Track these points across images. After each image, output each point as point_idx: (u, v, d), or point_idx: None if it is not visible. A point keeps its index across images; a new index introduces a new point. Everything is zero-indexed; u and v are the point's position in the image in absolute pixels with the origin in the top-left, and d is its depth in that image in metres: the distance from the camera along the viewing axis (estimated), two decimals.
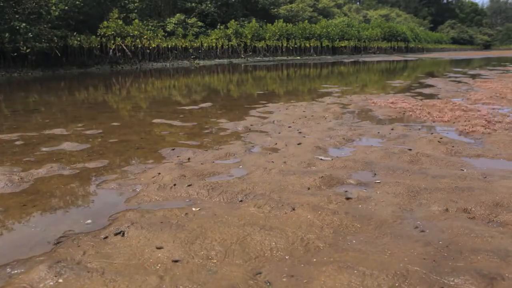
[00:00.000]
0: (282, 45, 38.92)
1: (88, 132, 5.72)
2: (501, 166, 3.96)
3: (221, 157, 4.36)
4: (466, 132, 5.55)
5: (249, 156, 4.35)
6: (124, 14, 28.63)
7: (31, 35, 19.27)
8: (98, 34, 24.64)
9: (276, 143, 4.96)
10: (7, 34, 18.58)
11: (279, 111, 7.42)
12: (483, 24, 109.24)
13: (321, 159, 4.20)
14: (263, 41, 36.96)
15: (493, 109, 7.56)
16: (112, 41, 24.98)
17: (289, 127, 5.98)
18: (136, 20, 27.52)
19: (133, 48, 26.12)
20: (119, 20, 25.51)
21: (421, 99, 8.97)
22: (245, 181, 3.52)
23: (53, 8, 21.23)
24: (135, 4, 31.34)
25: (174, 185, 3.41)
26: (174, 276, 2.06)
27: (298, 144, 4.86)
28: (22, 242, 2.49)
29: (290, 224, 2.64)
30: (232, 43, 34.00)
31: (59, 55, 21.88)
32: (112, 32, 24.95)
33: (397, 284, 1.97)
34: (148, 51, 27.16)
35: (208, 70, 23.34)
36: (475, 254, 2.26)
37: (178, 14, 32.29)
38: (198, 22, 32.99)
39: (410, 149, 4.57)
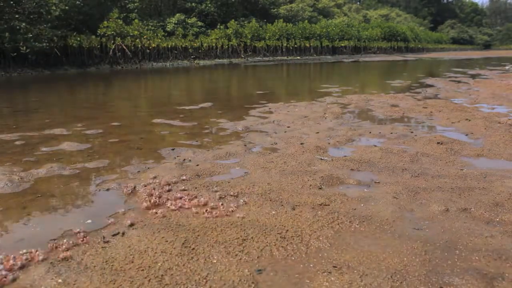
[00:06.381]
0: (282, 45, 38.90)
1: (88, 132, 5.72)
2: (501, 166, 3.97)
3: (221, 157, 4.37)
4: (466, 132, 5.55)
5: (249, 156, 4.35)
6: (124, 14, 28.62)
7: (31, 35, 19.26)
8: (98, 34, 24.62)
9: (276, 143, 4.96)
10: (7, 34, 18.57)
11: (279, 111, 7.41)
12: (483, 24, 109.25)
13: (321, 159, 4.20)
14: (263, 41, 36.94)
15: (493, 109, 7.56)
16: (112, 41, 24.97)
17: (288, 127, 5.98)
18: (136, 20, 27.52)
19: (133, 48, 26.11)
20: (119, 20, 25.50)
21: (421, 99, 8.96)
22: (245, 180, 3.52)
23: (53, 8, 21.22)
24: (135, 4, 31.35)
25: (175, 184, 3.41)
26: (173, 277, 2.06)
27: (298, 144, 4.87)
28: (22, 242, 2.48)
29: (290, 224, 2.64)
30: (232, 43, 33.99)
31: (59, 55, 21.87)
32: (112, 32, 24.94)
33: (397, 284, 1.97)
34: (148, 51, 27.14)
35: (208, 70, 23.34)
36: (475, 254, 2.26)
37: (178, 14, 32.29)
38: (198, 22, 32.97)
39: (410, 149, 4.57)
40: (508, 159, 4.21)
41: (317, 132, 5.57)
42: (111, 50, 24.88)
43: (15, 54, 19.36)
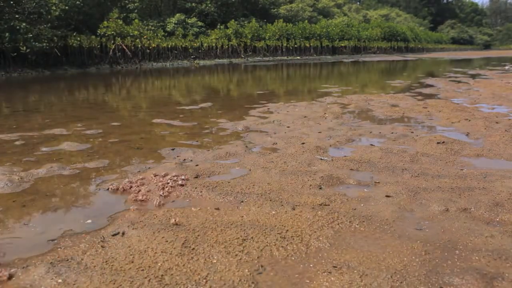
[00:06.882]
0: (282, 45, 38.91)
1: (88, 132, 5.72)
2: (501, 166, 3.96)
3: (221, 157, 4.37)
4: (466, 132, 5.55)
5: (249, 156, 4.35)
6: (124, 14, 28.64)
7: (31, 35, 19.26)
8: (98, 34, 24.64)
9: (276, 143, 4.96)
10: (7, 34, 18.57)
11: (279, 111, 7.42)
12: (483, 24, 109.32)
13: (321, 159, 4.20)
14: (263, 41, 36.96)
15: (493, 109, 7.56)
16: (112, 41, 24.98)
17: (288, 127, 5.98)
18: (136, 20, 27.53)
19: (133, 48, 26.12)
20: (119, 20, 25.50)
21: (421, 99, 8.97)
22: (245, 180, 3.52)
23: (53, 8, 21.23)
24: (135, 4, 31.36)
25: (174, 184, 3.41)
26: (173, 277, 2.06)
27: (298, 144, 4.86)
28: (22, 242, 2.49)
29: (290, 224, 2.64)
30: (232, 43, 34.00)
31: (59, 55, 21.88)
32: (112, 32, 24.95)
33: (397, 284, 1.97)
34: (148, 51, 27.15)
35: (208, 70, 23.35)
36: (475, 254, 2.26)
37: (178, 14, 32.29)
38: (198, 22, 32.99)
39: (410, 149, 4.57)
40: (508, 159, 4.21)
41: (317, 132, 5.56)
42: (111, 50, 24.89)
43: (15, 54, 19.36)
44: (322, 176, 3.57)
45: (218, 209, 2.92)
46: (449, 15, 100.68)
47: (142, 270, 2.12)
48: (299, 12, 45.06)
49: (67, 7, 22.51)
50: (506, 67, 21.33)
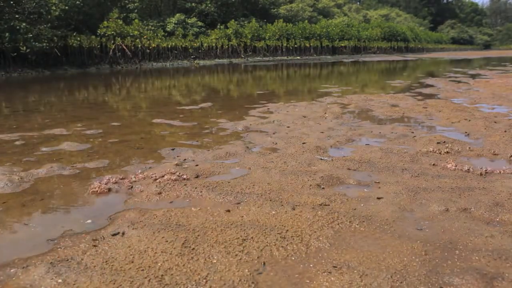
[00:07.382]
0: (282, 45, 38.91)
1: (88, 132, 5.72)
2: (501, 166, 3.96)
3: (221, 157, 4.37)
4: (466, 132, 5.55)
5: (249, 156, 4.35)
6: (124, 14, 28.65)
7: (31, 35, 19.26)
8: (98, 34, 24.64)
9: (276, 143, 4.96)
10: (7, 34, 18.57)
11: (279, 111, 7.41)
12: (483, 24, 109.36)
13: (321, 159, 4.20)
14: (263, 41, 36.95)
15: (493, 109, 7.56)
16: (112, 41, 24.97)
17: (288, 127, 5.98)
18: (136, 20, 27.53)
19: (133, 48, 26.11)
20: (119, 20, 25.51)
21: (421, 99, 8.97)
22: (245, 180, 3.52)
23: (53, 8, 21.23)
24: (135, 4, 31.36)
25: (174, 185, 3.41)
26: (173, 277, 2.06)
27: (298, 144, 4.86)
28: (22, 242, 2.49)
29: (290, 224, 2.64)
30: (232, 43, 33.99)
31: (59, 55, 21.88)
32: (112, 32, 24.95)
33: (397, 284, 1.97)
34: (148, 51, 27.15)
35: (208, 70, 23.34)
36: (475, 254, 2.26)
37: (178, 14, 32.29)
38: (198, 22, 32.98)
39: (410, 149, 4.57)
40: (508, 159, 4.21)
41: (318, 132, 5.56)
42: (111, 50, 24.88)
43: (15, 54, 19.36)
44: (322, 176, 3.57)
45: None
46: (449, 15, 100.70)
47: (142, 270, 2.12)
48: (299, 12, 45.06)
49: (67, 7, 22.50)
50: (506, 67, 21.32)
